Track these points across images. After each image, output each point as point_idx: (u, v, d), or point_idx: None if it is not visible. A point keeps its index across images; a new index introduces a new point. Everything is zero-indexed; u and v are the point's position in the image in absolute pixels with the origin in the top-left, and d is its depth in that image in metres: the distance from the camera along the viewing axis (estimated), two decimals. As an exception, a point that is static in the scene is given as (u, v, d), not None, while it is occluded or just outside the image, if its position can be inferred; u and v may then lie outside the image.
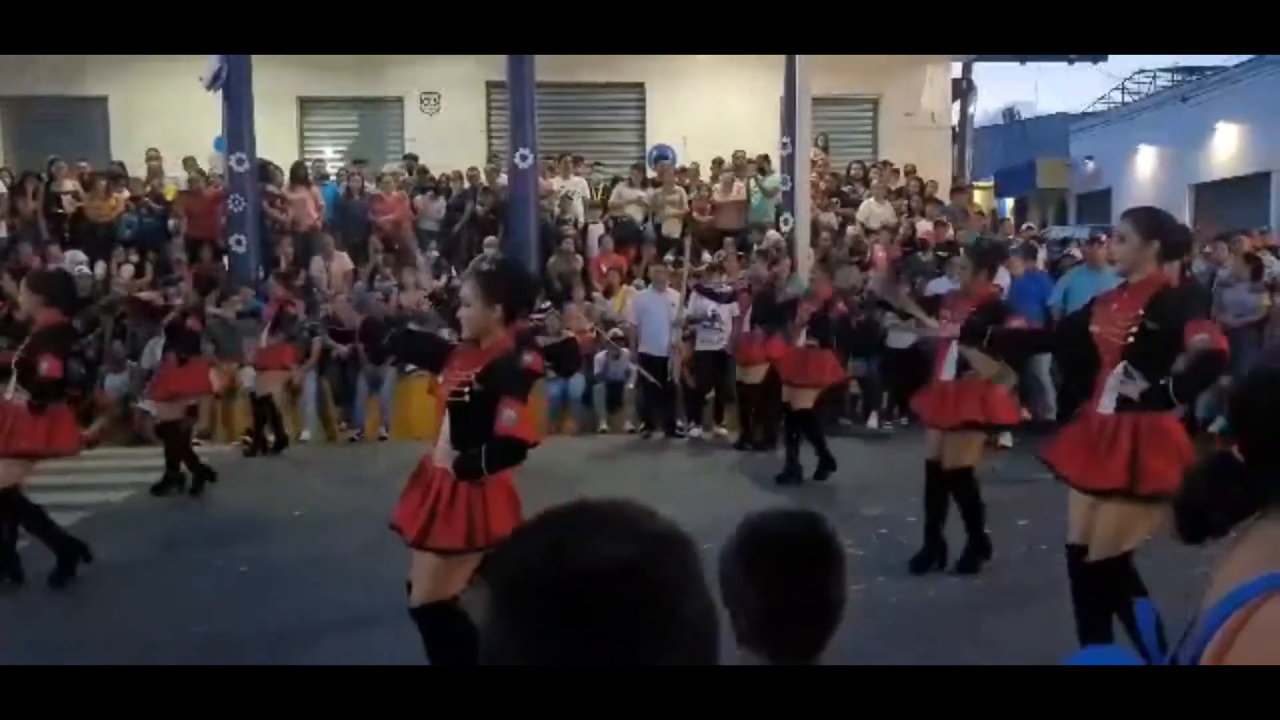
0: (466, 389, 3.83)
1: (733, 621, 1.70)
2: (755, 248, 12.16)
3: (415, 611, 3.95)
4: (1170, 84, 24.11)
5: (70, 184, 13.27)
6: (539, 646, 0.89)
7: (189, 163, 13.34)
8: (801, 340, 8.46)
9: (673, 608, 0.91)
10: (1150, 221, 4.14)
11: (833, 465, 8.31)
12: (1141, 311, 4.02)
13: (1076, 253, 10.30)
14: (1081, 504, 4.27)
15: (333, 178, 14.32)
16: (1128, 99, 25.57)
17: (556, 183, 13.73)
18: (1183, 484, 1.73)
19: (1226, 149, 19.92)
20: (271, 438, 9.89)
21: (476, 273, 4.75)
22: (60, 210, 13.12)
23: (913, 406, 6.76)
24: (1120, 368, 4.04)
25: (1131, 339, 4.03)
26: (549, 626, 0.89)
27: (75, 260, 11.95)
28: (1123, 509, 4.05)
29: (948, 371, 5.96)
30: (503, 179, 13.29)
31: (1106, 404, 4.11)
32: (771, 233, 12.60)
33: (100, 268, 12.30)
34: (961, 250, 9.44)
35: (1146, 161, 22.81)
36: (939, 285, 9.75)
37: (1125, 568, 4.07)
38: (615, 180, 14.56)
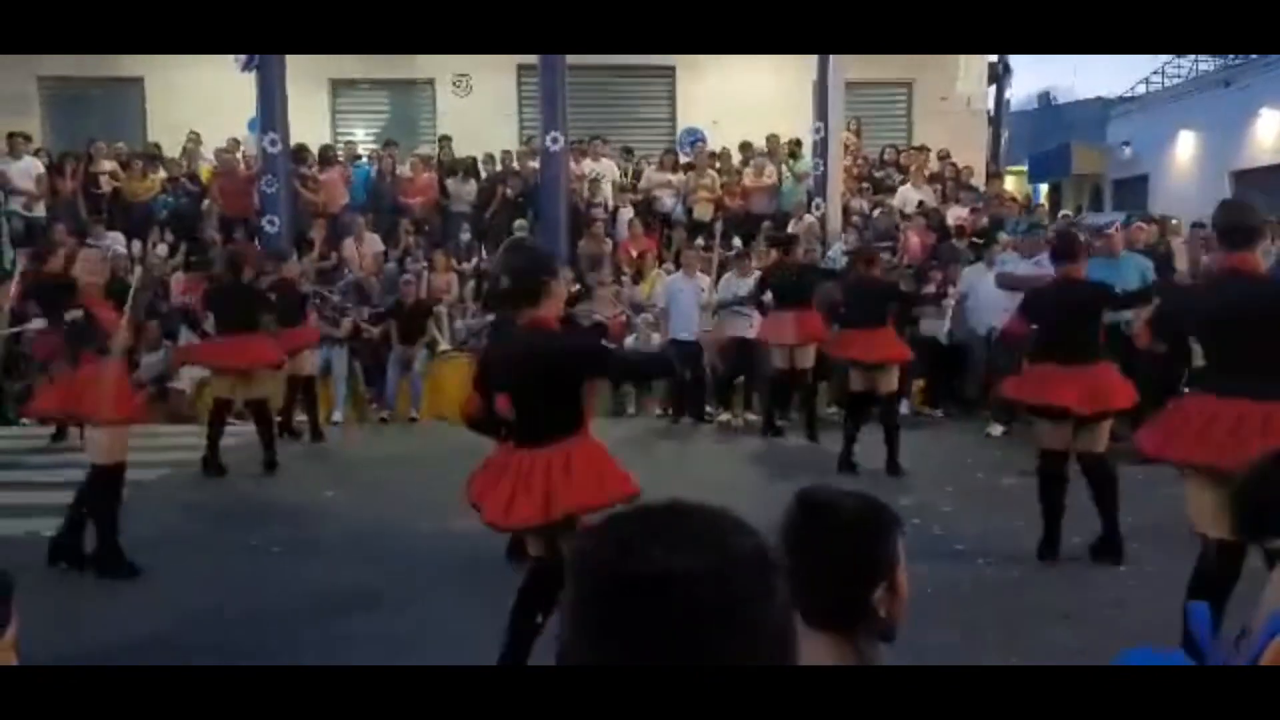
0: None
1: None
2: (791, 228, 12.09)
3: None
4: (1211, 68, 23.63)
5: (108, 164, 13.42)
6: (595, 640, 0.92)
7: (230, 143, 13.42)
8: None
9: (726, 626, 0.91)
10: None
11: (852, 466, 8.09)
12: None
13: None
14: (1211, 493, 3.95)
15: (364, 159, 14.37)
16: (1167, 83, 25.10)
17: (587, 165, 13.70)
18: (1243, 480, 1.68)
19: (1269, 135, 19.52)
20: (304, 418, 9.91)
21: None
22: (98, 190, 13.27)
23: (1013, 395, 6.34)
24: None
25: None
26: (602, 622, 0.91)
27: (115, 242, 12.06)
28: None
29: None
30: (534, 162, 13.28)
31: None
32: (807, 216, 12.51)
33: (136, 247, 12.43)
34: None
35: (1186, 147, 22.40)
36: (1017, 265, 9.67)
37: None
38: (642, 162, 14.51)
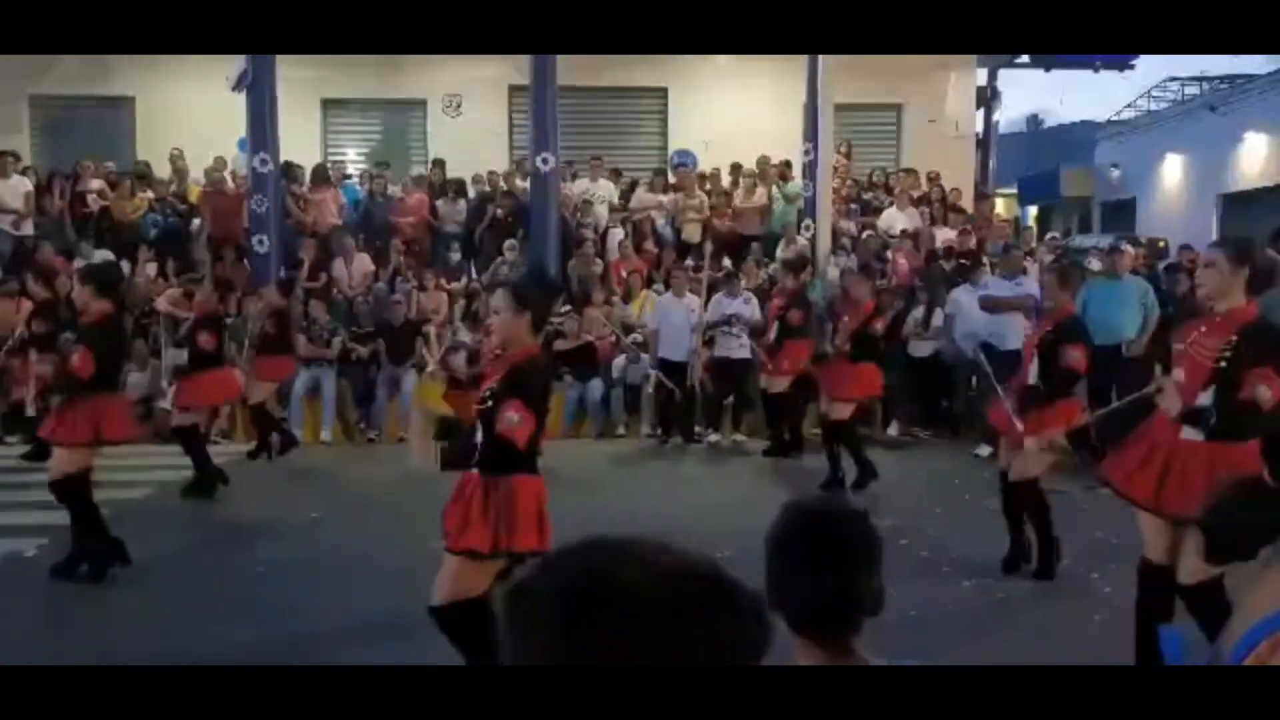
0: (489, 395, 3.97)
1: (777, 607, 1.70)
2: (778, 255, 12.13)
3: (434, 610, 4.03)
4: (1198, 92, 23.86)
5: (96, 183, 13.40)
6: (560, 643, 0.93)
7: (218, 162, 13.41)
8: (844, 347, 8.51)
9: (681, 637, 0.93)
10: (1241, 250, 4.21)
11: (874, 473, 8.23)
12: (1235, 338, 4.04)
13: (1095, 263, 10.16)
14: (1159, 523, 4.22)
15: (355, 179, 14.39)
16: (1154, 107, 25.33)
17: (584, 185, 13.74)
18: (1212, 506, 1.70)
19: (1255, 159, 19.70)
20: (276, 437, 9.80)
21: (508, 283, 4.99)
22: (86, 209, 13.24)
23: (990, 420, 6.65)
24: (1210, 392, 4.05)
25: (1224, 363, 4.06)
26: (565, 625, 0.92)
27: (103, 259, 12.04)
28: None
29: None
30: (524, 182, 13.30)
31: (1189, 431, 4.11)
32: (800, 239, 12.56)
33: (124, 267, 12.39)
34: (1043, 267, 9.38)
35: (1173, 170, 22.60)
36: (998, 287, 9.74)
37: (1220, 586, 3.97)
38: (634, 184, 14.57)
